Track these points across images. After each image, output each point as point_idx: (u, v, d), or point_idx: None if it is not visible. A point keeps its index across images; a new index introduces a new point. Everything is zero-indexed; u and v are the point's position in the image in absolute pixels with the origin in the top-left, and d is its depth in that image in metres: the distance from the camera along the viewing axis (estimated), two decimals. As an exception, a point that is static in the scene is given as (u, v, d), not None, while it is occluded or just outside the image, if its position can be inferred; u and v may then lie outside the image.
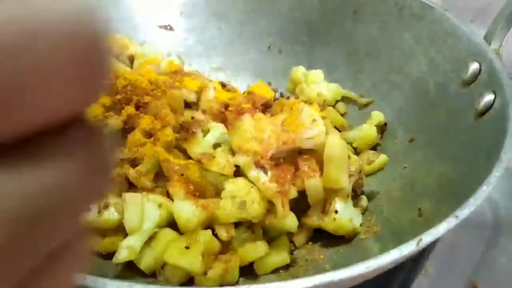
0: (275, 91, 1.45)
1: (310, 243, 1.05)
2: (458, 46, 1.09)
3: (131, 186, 1.03)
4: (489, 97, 0.95)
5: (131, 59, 1.34)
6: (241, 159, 0.99)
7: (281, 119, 1.08)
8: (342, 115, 1.33)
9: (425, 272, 1.12)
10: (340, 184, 1.00)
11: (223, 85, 1.28)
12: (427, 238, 0.66)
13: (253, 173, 0.99)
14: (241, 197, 0.95)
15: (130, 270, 0.93)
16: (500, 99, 0.93)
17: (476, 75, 1.01)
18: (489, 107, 0.94)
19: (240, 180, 0.98)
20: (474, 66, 1.02)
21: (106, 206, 0.95)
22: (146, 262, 0.92)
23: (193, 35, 1.48)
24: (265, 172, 0.99)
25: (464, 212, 0.71)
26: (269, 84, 1.46)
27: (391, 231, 0.97)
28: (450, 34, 1.12)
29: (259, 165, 1.00)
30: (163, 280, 0.92)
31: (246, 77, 1.48)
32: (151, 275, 0.93)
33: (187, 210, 0.92)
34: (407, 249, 0.65)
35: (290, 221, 0.96)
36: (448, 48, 1.12)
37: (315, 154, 1.05)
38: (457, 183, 0.94)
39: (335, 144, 1.01)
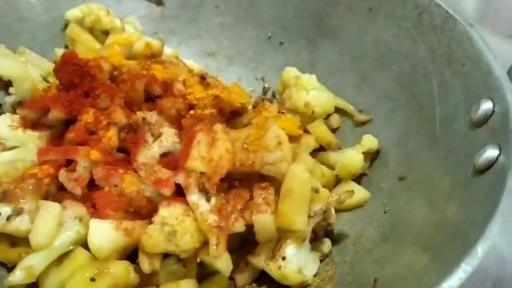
0: (267, 89, 1.27)
1: (254, 284, 0.91)
2: (475, 74, 0.87)
3: (62, 189, 0.90)
4: (491, 153, 0.74)
5: (107, 34, 1.20)
6: (182, 178, 0.84)
7: (245, 134, 0.91)
8: (335, 129, 1.14)
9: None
10: (294, 225, 0.84)
11: (203, 78, 1.11)
12: None
13: (193, 197, 0.84)
14: (172, 226, 0.81)
15: (32, 288, 0.82)
16: (505, 158, 0.72)
17: (487, 117, 0.80)
18: (489, 165, 0.74)
19: (178, 205, 0.83)
20: (486, 106, 0.81)
21: (19, 212, 0.83)
22: (50, 285, 0.80)
23: (186, 13, 1.30)
24: (208, 199, 0.84)
25: None
26: (263, 79, 1.29)
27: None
28: (469, 57, 0.89)
29: (203, 189, 0.85)
30: (65, 309, 0.81)
31: (239, 67, 1.30)
32: (55, 300, 0.82)
33: (102, 234, 0.79)
34: None
35: (223, 263, 0.81)
36: (464, 74, 0.90)
37: (276, 183, 0.88)
38: (440, 245, 0.77)
39: (296, 176, 0.84)
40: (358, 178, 1.03)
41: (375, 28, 1.12)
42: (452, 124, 0.89)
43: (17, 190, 0.85)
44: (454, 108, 0.90)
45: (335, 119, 1.14)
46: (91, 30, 1.18)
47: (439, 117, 0.94)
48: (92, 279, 0.76)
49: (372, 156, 1.04)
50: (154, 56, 1.16)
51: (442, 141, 0.91)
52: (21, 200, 0.84)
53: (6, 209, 0.83)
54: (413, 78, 1.03)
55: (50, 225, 0.80)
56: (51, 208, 0.82)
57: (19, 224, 0.83)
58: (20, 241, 0.84)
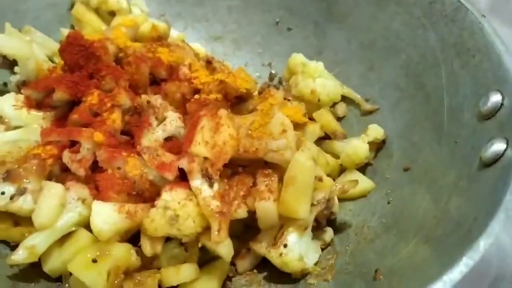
0: (274, 75, 1.26)
1: (255, 271, 0.91)
2: (485, 66, 0.86)
3: (66, 170, 0.89)
4: (498, 146, 0.73)
5: (113, 15, 1.18)
6: (185, 163, 0.84)
7: (250, 120, 0.91)
8: (341, 118, 1.13)
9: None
10: (297, 213, 0.83)
11: (209, 62, 1.10)
12: None
13: (197, 182, 0.83)
14: (175, 210, 0.80)
15: (34, 268, 0.82)
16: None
17: (495, 110, 0.79)
18: (496, 159, 0.73)
19: (181, 189, 0.83)
20: (495, 98, 0.79)
21: (23, 192, 0.83)
22: (52, 265, 0.80)
23: (194, -5, 1.29)
24: (211, 184, 0.84)
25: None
26: (269, 65, 1.28)
27: (343, 285, 0.80)
28: (480, 48, 0.88)
29: (206, 175, 0.84)
30: (67, 288, 0.81)
31: (246, 52, 1.29)
32: (57, 280, 0.82)
33: (105, 216, 0.79)
34: None
35: (224, 249, 0.81)
36: (474, 65, 0.88)
37: (280, 170, 0.88)
38: (442, 239, 0.76)
39: (300, 164, 0.83)
40: (363, 168, 1.02)
41: (385, 15, 1.10)
42: (459, 116, 0.88)
43: (21, 170, 0.85)
44: (462, 100, 0.89)
45: (341, 108, 1.13)
46: (97, 11, 1.17)
47: (447, 108, 0.93)
48: (94, 261, 0.76)
49: (377, 146, 1.03)
50: (160, 39, 1.15)
51: (448, 133, 0.90)
52: (24, 180, 0.84)
53: (10, 188, 0.83)
54: (421, 67, 1.01)
55: (53, 205, 0.80)
56: (54, 189, 0.82)
57: (22, 204, 0.83)
58: (23, 221, 0.85)
